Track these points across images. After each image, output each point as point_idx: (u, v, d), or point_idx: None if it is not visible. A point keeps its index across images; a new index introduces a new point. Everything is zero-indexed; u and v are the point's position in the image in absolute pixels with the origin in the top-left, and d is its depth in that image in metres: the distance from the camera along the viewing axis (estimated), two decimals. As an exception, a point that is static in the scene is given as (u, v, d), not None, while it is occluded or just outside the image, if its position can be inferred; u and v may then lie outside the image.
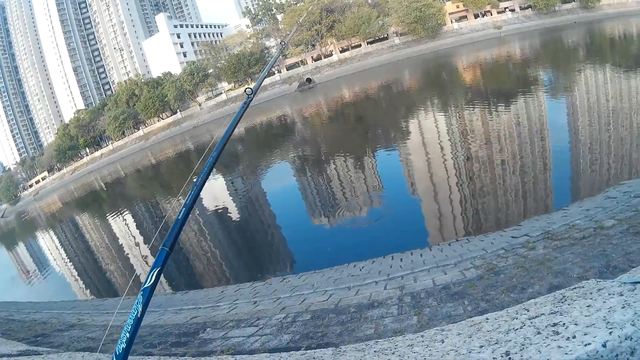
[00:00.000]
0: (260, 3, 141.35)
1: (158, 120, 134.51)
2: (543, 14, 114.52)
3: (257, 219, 22.97)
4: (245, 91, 4.16)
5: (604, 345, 1.79)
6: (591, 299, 2.27)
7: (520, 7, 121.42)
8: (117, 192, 63.60)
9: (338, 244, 15.12)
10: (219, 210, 25.82)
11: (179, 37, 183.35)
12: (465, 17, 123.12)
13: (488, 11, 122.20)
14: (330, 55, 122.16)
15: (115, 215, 38.87)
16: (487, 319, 2.70)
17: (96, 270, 25.51)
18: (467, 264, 8.52)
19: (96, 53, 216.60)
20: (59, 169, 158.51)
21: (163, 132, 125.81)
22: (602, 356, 1.76)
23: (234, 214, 24.59)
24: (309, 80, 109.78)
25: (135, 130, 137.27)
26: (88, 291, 22.05)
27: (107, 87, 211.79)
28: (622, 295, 2.18)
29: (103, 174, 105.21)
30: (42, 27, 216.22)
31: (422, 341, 2.79)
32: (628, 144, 16.60)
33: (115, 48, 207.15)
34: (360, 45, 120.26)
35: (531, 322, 2.29)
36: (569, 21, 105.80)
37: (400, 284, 8.39)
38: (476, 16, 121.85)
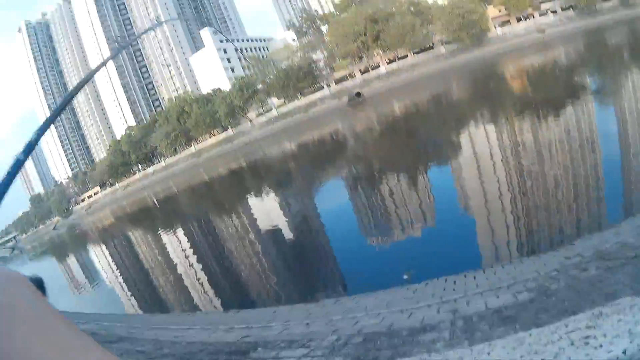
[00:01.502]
0: (305, 15, 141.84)
1: (209, 137, 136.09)
2: (585, 14, 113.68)
3: (310, 238, 22.77)
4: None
5: (624, 353, 1.97)
6: (624, 314, 2.37)
7: (561, 7, 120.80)
8: (169, 209, 64.12)
9: (392, 265, 14.77)
10: (272, 229, 25.62)
11: (225, 52, 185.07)
12: (508, 21, 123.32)
13: (530, 14, 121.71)
14: (378, 67, 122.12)
15: (167, 232, 39.12)
16: (530, 334, 2.80)
17: (147, 285, 25.75)
18: (519, 287, 8.47)
19: (144, 69, 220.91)
20: (111, 185, 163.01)
21: (215, 149, 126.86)
22: None
23: (287, 233, 24.40)
24: (358, 94, 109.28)
25: (187, 147, 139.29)
26: (137, 306, 22.22)
27: (156, 103, 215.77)
28: None
29: (155, 190, 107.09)
30: (88, 44, 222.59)
31: (471, 353, 2.87)
32: None
33: (162, 64, 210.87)
34: (407, 56, 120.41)
35: (567, 336, 2.44)
36: (611, 20, 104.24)
37: (453, 308, 8.40)
38: (518, 20, 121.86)
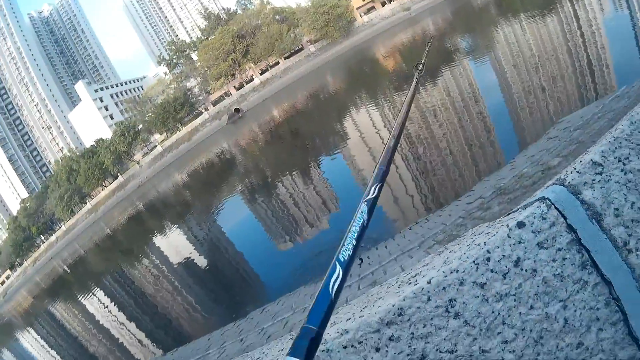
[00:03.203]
0: (173, 47, 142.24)
1: (102, 189, 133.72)
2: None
3: (224, 259, 22.89)
4: None
5: (429, 282, 1.88)
6: (461, 244, 2.17)
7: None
8: (82, 271, 62.85)
9: (307, 261, 15.07)
10: (186, 261, 25.46)
11: (102, 100, 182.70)
12: (373, 7, 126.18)
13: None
14: (252, 80, 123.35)
15: (87, 296, 38.00)
16: (381, 285, 2.59)
17: (83, 355, 24.80)
18: (430, 242, 8.61)
19: (26, 137, 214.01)
20: (20, 264, 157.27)
21: (110, 200, 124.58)
22: (428, 291, 1.86)
23: (201, 261, 24.48)
24: (237, 110, 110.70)
25: (83, 205, 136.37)
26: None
27: (44, 168, 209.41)
28: (480, 234, 2.09)
29: (64, 257, 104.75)
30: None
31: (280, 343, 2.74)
32: (559, 82, 17.05)
33: (43, 127, 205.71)
34: (278, 63, 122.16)
35: (404, 277, 2.21)
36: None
37: (371, 281, 8.54)
38: (383, 4, 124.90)
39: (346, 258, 1.50)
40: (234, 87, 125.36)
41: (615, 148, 2.05)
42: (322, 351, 1.95)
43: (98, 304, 32.44)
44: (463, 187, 12.92)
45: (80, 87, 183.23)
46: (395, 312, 1.90)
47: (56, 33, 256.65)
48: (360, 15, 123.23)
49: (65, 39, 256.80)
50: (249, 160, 46.68)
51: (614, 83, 15.30)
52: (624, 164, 2.05)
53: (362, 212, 1.66)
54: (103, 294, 34.70)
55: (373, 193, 1.78)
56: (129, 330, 22.20)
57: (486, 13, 55.56)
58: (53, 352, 30.54)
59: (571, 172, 2.06)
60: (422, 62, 3.37)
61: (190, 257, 25.86)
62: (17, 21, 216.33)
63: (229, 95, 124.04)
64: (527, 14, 37.36)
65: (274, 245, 19.43)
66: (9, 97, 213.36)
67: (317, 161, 27.75)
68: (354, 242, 1.55)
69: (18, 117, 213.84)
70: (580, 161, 2.10)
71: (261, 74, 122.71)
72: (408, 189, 15.30)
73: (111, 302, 30.34)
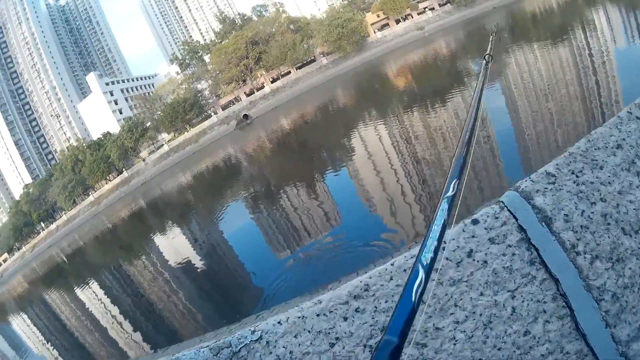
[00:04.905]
0: (187, 48, 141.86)
1: (106, 183, 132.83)
2: (462, 6, 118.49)
3: (222, 263, 23.09)
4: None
5: (392, 264, 2.33)
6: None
7: (439, 4, 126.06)
8: (79, 262, 62.42)
9: (304, 272, 15.40)
10: (184, 262, 25.35)
11: (112, 94, 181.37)
12: (387, 24, 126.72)
13: (409, 14, 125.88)
14: (262, 87, 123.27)
15: (82, 287, 37.67)
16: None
17: (73, 346, 24.51)
18: None
19: (34, 123, 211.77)
20: (18, 248, 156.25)
21: (113, 194, 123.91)
22: (391, 272, 2.32)
23: (199, 263, 24.29)
24: (245, 116, 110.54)
25: (86, 197, 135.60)
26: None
27: (50, 156, 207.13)
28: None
29: (62, 246, 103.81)
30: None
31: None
32: (569, 111, 17.46)
33: (52, 115, 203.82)
34: (289, 72, 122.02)
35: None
36: (488, 8, 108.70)
37: None
38: (397, 22, 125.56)
39: (428, 261, 1.45)
40: (245, 93, 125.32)
41: (570, 162, 2.55)
42: (299, 317, 2.31)
43: (92, 295, 32.47)
44: (466, 212, 12.68)
45: (91, 78, 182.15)
46: (362, 287, 2.30)
47: (71, 23, 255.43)
48: (374, 32, 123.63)
49: (80, 29, 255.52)
50: (255, 167, 46.59)
51: (622, 107, 15.28)
52: (577, 176, 2.49)
53: (442, 210, 1.70)
54: (98, 286, 34.59)
55: (453, 190, 1.82)
56: (119, 324, 22.11)
57: (498, 37, 55.71)
58: (40, 337, 30.46)
59: (525, 181, 2.47)
60: (489, 52, 3.48)
61: (188, 258, 25.87)
62: (34, 7, 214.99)
63: (238, 101, 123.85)
64: (539, 39, 38.60)
65: (273, 254, 19.30)
66: (20, 81, 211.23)
67: (322, 174, 27.69)
68: (435, 243, 1.52)
69: (28, 103, 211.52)
70: (536, 172, 2.50)
71: (272, 82, 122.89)
72: (414, 209, 15.55)
73: (105, 294, 30.33)
